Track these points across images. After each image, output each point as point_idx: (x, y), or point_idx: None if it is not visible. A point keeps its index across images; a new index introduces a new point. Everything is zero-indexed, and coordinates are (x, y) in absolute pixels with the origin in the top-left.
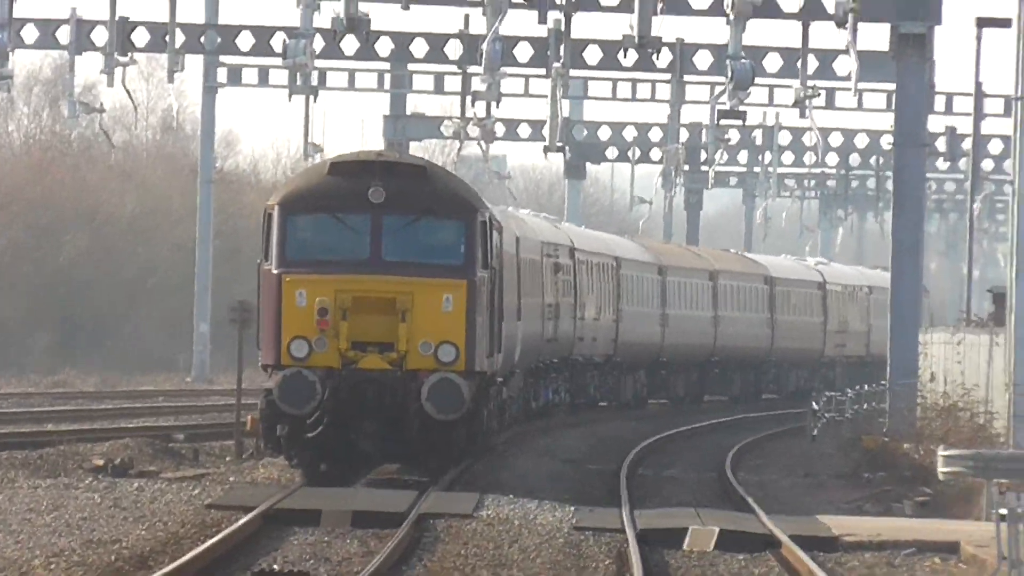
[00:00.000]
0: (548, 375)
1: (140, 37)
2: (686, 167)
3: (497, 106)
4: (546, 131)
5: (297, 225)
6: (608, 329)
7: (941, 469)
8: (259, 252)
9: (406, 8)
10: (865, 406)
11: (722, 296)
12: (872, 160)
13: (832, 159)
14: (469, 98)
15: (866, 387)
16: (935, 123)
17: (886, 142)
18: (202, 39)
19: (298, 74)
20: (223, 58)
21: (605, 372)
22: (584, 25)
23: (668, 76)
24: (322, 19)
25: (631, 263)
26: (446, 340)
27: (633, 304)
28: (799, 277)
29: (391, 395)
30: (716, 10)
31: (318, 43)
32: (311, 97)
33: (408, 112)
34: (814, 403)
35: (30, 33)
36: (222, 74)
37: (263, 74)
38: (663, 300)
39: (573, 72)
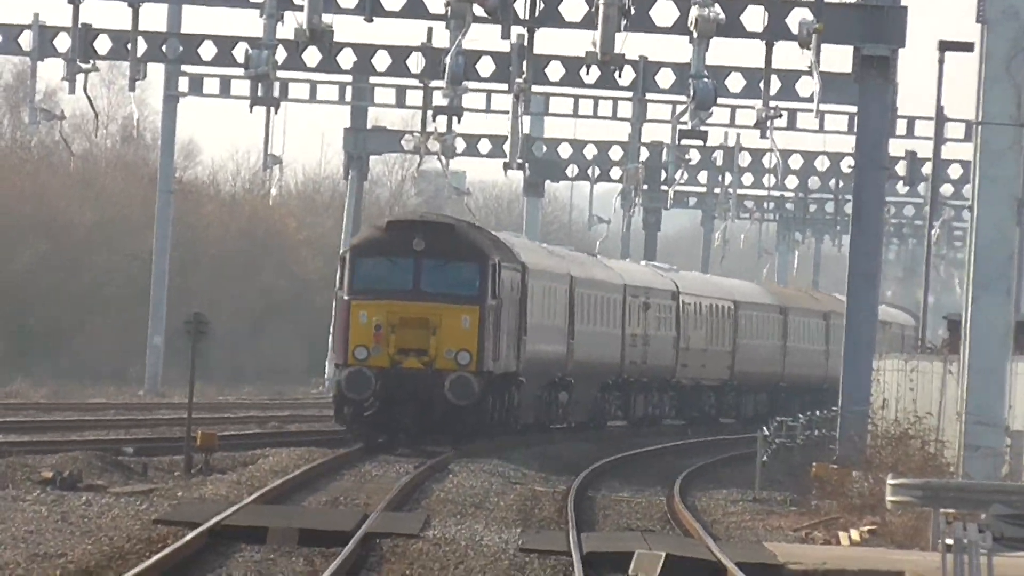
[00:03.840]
0: (648, 392)
1: (102, 44)
2: (645, 186)
3: (458, 121)
4: (507, 147)
5: (363, 265)
6: (721, 358)
7: (889, 497)
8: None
9: (369, 20)
10: (816, 432)
11: (833, 333)
12: (831, 183)
13: (792, 182)
14: (430, 112)
15: (818, 413)
16: (896, 147)
17: (846, 165)
18: (164, 47)
19: (260, 85)
20: (185, 67)
21: (722, 393)
22: (547, 41)
23: (630, 94)
24: (285, 30)
25: (750, 305)
26: (463, 348)
27: (749, 338)
28: (886, 319)
29: (424, 387)
30: (679, 28)
31: (280, 54)
32: (272, 108)
33: (369, 125)
34: (765, 428)
35: None
36: (183, 83)
37: (225, 84)
38: (784, 335)
39: (535, 88)
